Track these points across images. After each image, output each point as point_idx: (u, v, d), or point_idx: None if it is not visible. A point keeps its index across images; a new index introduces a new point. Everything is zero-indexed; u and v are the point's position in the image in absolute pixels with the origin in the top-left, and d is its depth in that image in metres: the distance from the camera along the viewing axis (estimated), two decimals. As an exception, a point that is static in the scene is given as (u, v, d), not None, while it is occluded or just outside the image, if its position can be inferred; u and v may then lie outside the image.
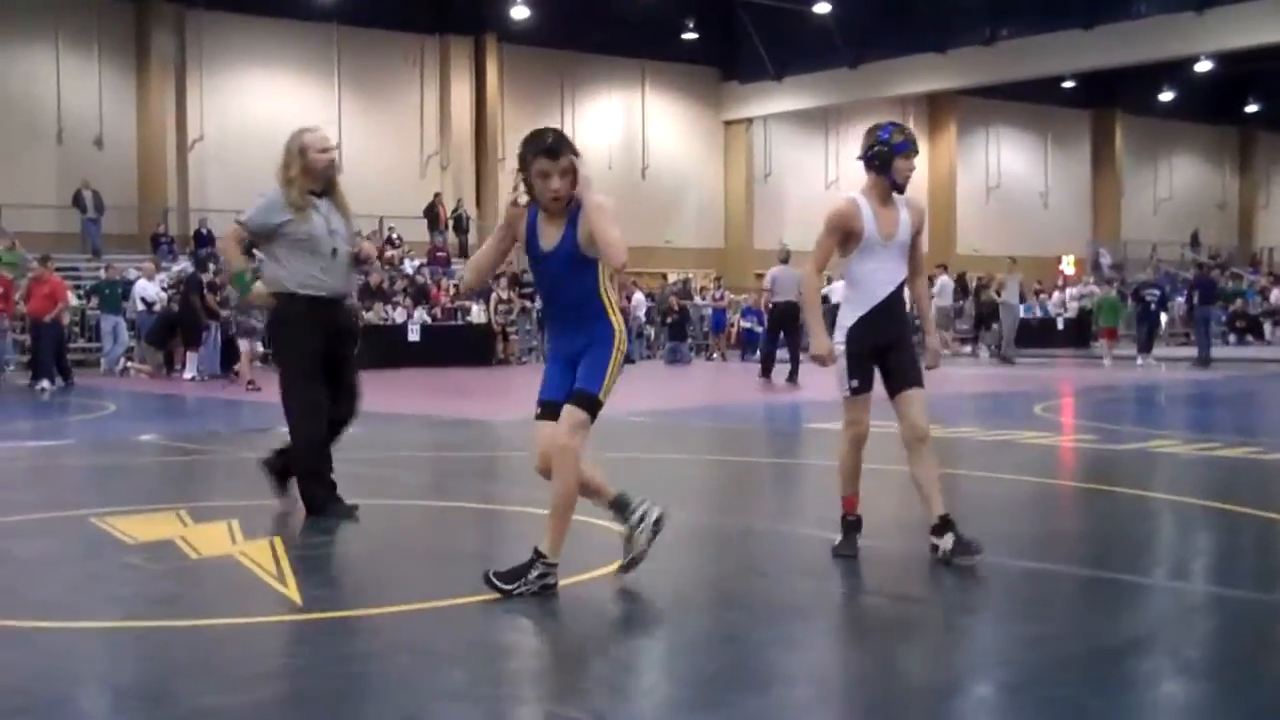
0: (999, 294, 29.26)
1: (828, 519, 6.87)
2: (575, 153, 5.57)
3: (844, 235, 6.36)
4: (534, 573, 5.49)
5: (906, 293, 6.51)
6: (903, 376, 6.36)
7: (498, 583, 5.46)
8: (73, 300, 23.32)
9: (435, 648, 4.94)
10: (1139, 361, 25.67)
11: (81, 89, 32.40)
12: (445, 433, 13.91)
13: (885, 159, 6.36)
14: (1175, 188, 54.29)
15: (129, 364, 24.04)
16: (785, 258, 22.08)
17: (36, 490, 9.45)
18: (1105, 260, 44.29)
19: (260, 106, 33.45)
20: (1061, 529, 7.94)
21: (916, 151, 6.46)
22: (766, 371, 20.84)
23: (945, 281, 31.33)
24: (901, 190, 6.44)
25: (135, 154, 32.95)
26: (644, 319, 31.27)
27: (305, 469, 7.64)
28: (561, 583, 5.74)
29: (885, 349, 6.36)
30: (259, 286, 7.44)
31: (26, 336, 22.58)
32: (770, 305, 22.01)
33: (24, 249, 26.13)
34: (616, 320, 5.63)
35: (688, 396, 19.36)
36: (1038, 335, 34.18)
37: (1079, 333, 36.18)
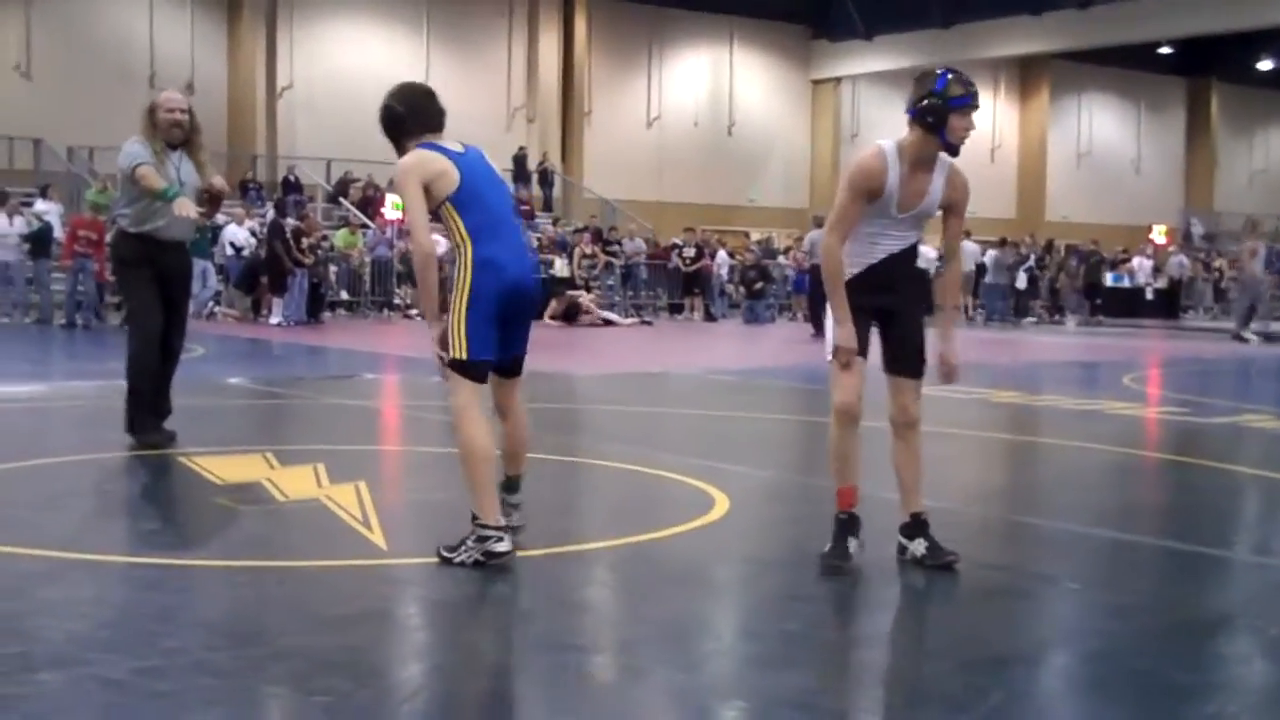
0: (1243, 266, 26.05)
1: (891, 480, 6.79)
2: None
3: (868, 196, 5.39)
4: (472, 538, 5.27)
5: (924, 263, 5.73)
6: (902, 359, 5.62)
7: (444, 554, 5.31)
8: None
9: (514, 597, 4.99)
10: (1245, 336, 24.97)
11: (173, 34, 32.73)
12: (525, 386, 13.95)
13: (940, 115, 5.31)
14: (1271, 159, 53.30)
15: (217, 308, 24.35)
16: (821, 221, 21.84)
17: (118, 428, 9.61)
18: (1197, 230, 43.61)
19: (349, 56, 33.68)
20: (1145, 500, 7.86)
21: (977, 107, 5.42)
22: (820, 331, 20.70)
23: (969, 246, 31.44)
24: (955, 153, 5.47)
25: (225, 100, 33.24)
26: (725, 277, 31.16)
27: (130, 390, 8.33)
28: (642, 538, 5.78)
29: (885, 316, 5.56)
30: (183, 200, 7.83)
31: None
32: (809, 268, 22.67)
33: (115, 191, 26.48)
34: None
35: (763, 356, 19.29)
36: (1125, 304, 33.72)
37: (1168, 303, 35.64)
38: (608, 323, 25.83)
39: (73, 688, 3.80)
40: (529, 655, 4.34)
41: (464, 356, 5.29)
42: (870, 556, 5.64)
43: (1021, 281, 32.46)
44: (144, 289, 8.26)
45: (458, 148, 5.46)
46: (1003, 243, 32.19)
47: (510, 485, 5.68)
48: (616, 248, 30.25)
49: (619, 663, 4.32)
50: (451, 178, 5.32)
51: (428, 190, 5.32)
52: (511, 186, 34.46)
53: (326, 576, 5.20)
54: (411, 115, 5.51)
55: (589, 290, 28.59)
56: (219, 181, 8.48)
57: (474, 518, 5.28)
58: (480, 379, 5.37)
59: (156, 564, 5.35)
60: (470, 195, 5.33)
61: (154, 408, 8.37)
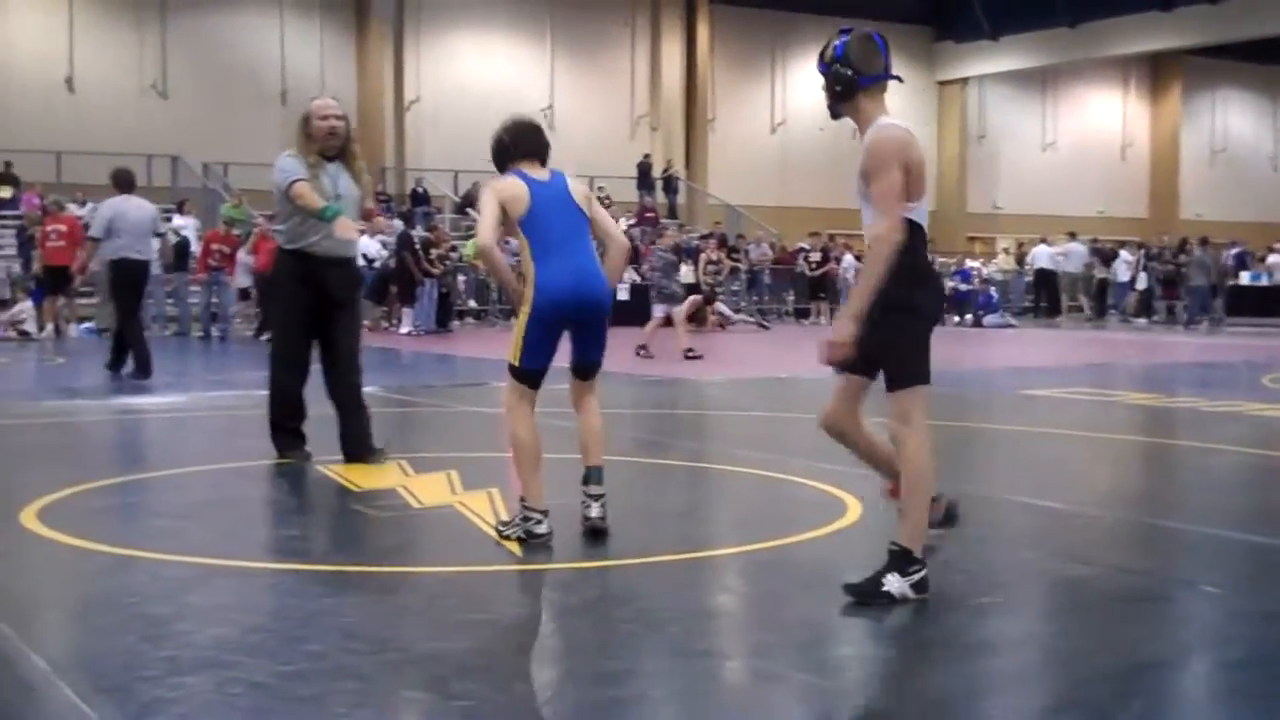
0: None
1: (1045, 487, 6.75)
2: None
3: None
4: (519, 517, 5.87)
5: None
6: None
7: (498, 529, 5.96)
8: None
9: (649, 603, 5.01)
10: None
11: (304, 51, 33.35)
12: (652, 391, 14.02)
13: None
14: None
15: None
16: None
17: (265, 437, 9.81)
18: (1337, 227, 42.41)
19: (474, 69, 34.08)
20: (1288, 504, 7.67)
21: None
22: None
23: (1075, 248, 31.25)
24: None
25: (355, 114, 33.62)
26: (851, 281, 30.96)
27: (272, 419, 8.23)
28: (777, 543, 5.78)
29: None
30: (343, 220, 7.57)
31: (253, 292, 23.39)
32: None
33: (250, 206, 27.05)
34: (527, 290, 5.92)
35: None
36: (1259, 303, 32.89)
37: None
38: (723, 322, 25.73)
39: (219, 691, 3.89)
40: (663, 661, 4.35)
41: (517, 363, 5.96)
42: (1006, 560, 5.58)
43: (1142, 282, 31.94)
44: (290, 311, 8.00)
45: (542, 175, 6.01)
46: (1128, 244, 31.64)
47: (589, 477, 6.02)
48: (741, 254, 30.22)
49: (753, 668, 4.32)
50: (522, 203, 5.89)
51: (505, 210, 5.89)
52: (635, 195, 34.60)
53: (462, 581, 5.27)
54: (515, 145, 6.08)
55: (715, 297, 28.57)
56: (371, 207, 8.32)
57: (521, 500, 5.87)
58: (530, 384, 5.99)
59: (297, 570, 5.46)
60: (534, 220, 5.88)
61: (296, 429, 8.24)
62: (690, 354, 17.67)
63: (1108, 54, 39.32)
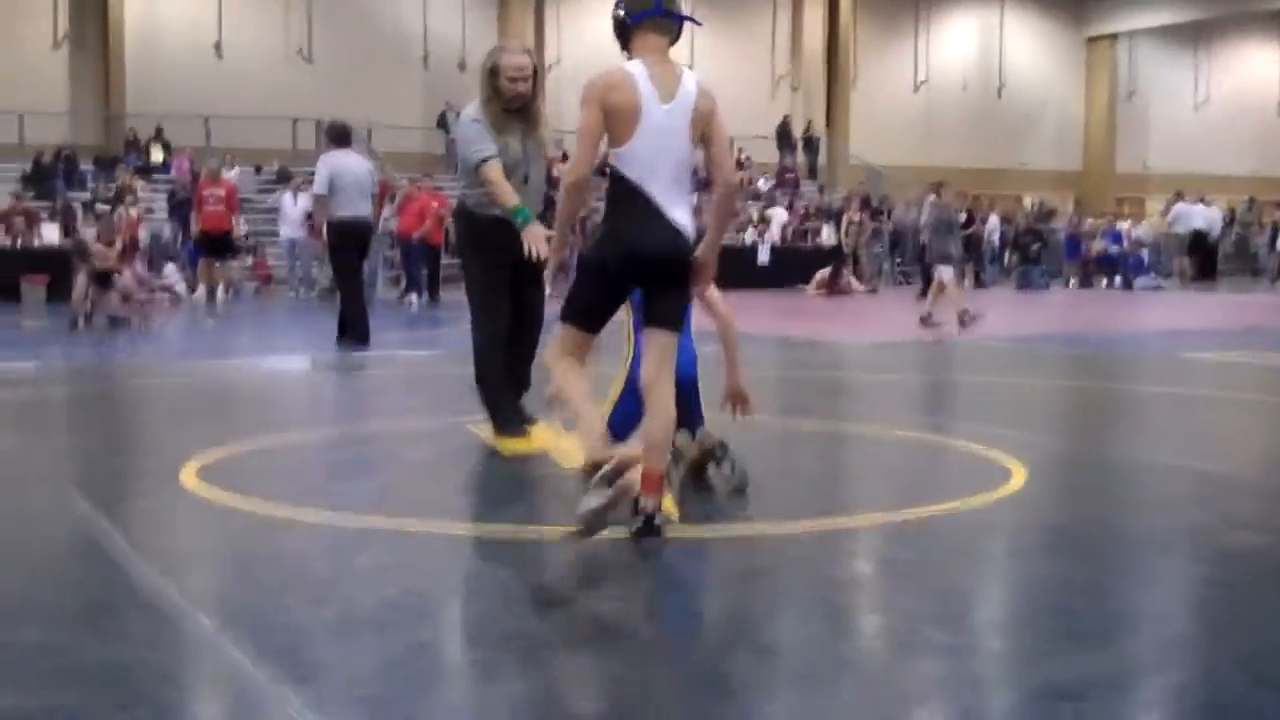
0: None
1: (1191, 449, 6.47)
2: None
3: None
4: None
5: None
6: None
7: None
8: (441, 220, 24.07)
9: (811, 569, 4.87)
10: None
11: (446, 14, 33.50)
12: (797, 353, 13.84)
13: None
14: None
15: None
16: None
17: (415, 397, 9.85)
18: None
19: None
20: None
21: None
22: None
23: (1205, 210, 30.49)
24: None
25: (496, 77, 33.85)
26: (997, 243, 30.41)
27: (481, 395, 7.48)
28: (907, 515, 5.60)
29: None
30: (533, 229, 6.84)
31: (396, 253, 23.58)
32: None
33: (393, 168, 27.28)
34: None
35: (1039, 322, 18.69)
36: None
37: None
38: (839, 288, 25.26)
39: (385, 654, 3.83)
40: (814, 626, 4.21)
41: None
42: (1165, 523, 5.35)
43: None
44: (490, 279, 7.33)
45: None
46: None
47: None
48: (884, 215, 29.80)
49: (893, 633, 4.15)
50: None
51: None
52: (775, 155, 34.29)
53: (621, 545, 5.15)
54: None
55: (857, 259, 28.25)
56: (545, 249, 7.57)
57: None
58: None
59: (455, 532, 5.41)
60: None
61: (514, 399, 7.58)
62: (967, 317, 15.97)
63: (1264, 7, 38.02)
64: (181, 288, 21.78)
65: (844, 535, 5.39)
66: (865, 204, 29.36)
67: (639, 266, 5.06)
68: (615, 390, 6.07)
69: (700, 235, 5.20)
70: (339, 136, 13.59)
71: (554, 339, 5.28)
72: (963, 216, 29.32)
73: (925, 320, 16.36)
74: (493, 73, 7.12)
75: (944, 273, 16.62)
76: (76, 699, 3.45)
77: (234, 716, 3.43)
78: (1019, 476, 6.36)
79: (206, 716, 3.52)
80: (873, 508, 5.97)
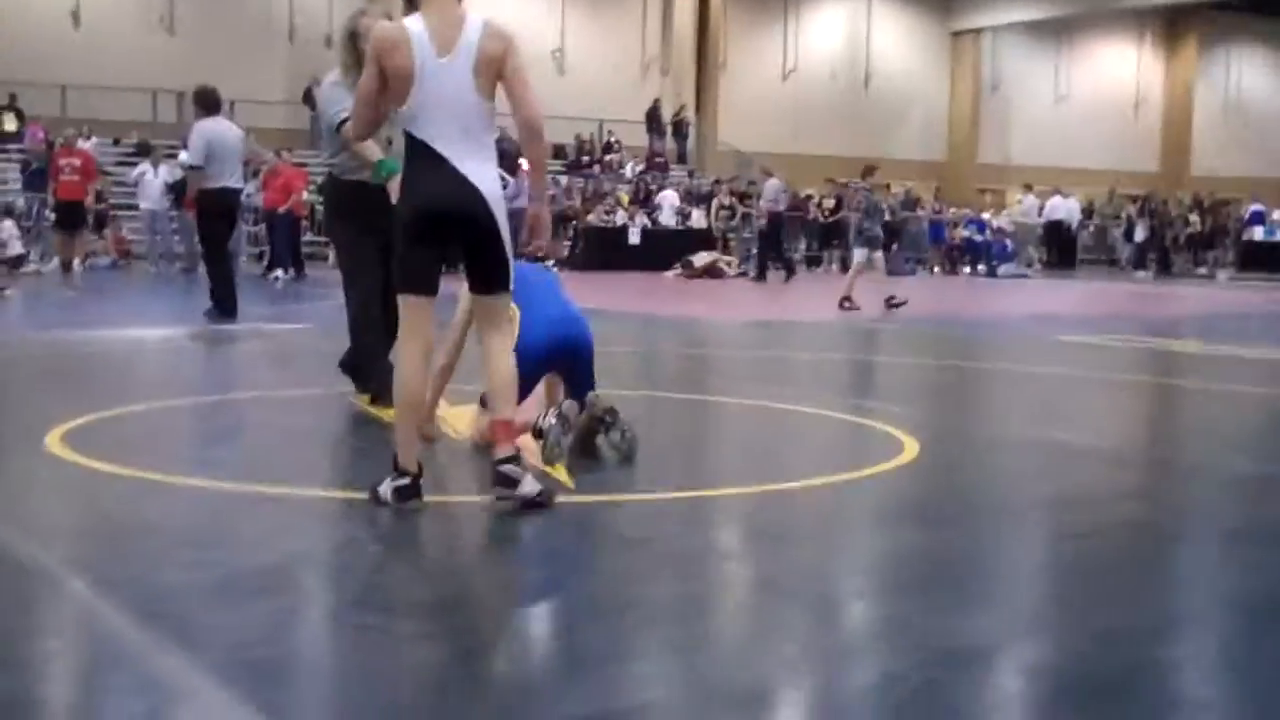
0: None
1: (1065, 424, 6.47)
2: None
3: None
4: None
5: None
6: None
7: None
8: (305, 195, 23.65)
9: (691, 535, 4.81)
10: None
11: (315, -12, 32.91)
12: (669, 331, 13.80)
13: None
14: None
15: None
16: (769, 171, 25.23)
17: (287, 370, 9.60)
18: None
19: (482, 9, 33.37)
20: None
21: None
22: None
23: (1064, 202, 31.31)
24: None
25: (364, 53, 33.38)
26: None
27: (355, 349, 7.43)
28: (844, 477, 5.56)
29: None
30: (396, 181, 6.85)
31: (261, 228, 23.10)
32: (769, 215, 24.60)
33: (257, 143, 26.72)
34: None
35: (913, 306, 18.89)
36: (1271, 259, 32.46)
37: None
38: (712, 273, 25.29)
39: (272, 616, 3.68)
40: (672, 587, 4.14)
41: None
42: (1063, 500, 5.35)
43: (1139, 234, 31.80)
44: (359, 244, 7.24)
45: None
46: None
47: None
48: (752, 201, 29.92)
49: (796, 599, 4.10)
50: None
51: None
52: (645, 139, 34.26)
53: (497, 512, 5.01)
54: None
55: (726, 243, 28.33)
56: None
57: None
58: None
59: (338, 497, 5.25)
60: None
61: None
62: (893, 302, 16.23)
63: (1125, 5, 38.88)
64: (17, 247, 21.03)
65: (724, 502, 5.32)
66: (741, 192, 29.40)
67: (435, 222, 4.89)
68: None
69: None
70: (211, 103, 13.00)
71: (401, 321, 5.06)
72: (831, 203, 29.62)
73: (844, 302, 16.38)
74: (352, 37, 6.99)
75: (860, 255, 16.82)
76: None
77: (118, 679, 3.24)
78: (910, 449, 6.35)
79: (90, 679, 3.33)
80: (758, 479, 5.91)
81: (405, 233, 4.95)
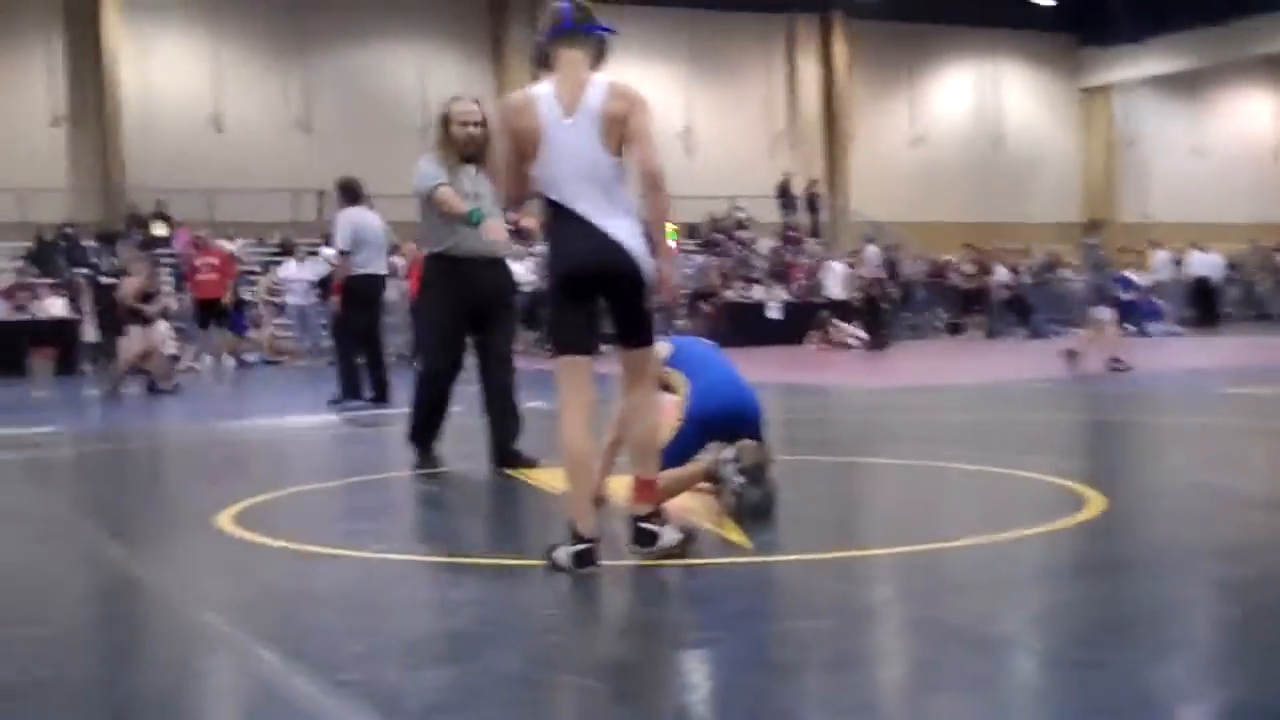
0: None
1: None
2: None
3: None
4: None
5: None
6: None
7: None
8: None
9: (886, 590, 4.64)
10: None
11: (442, 83, 33.37)
12: (828, 399, 13.62)
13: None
14: None
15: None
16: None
17: (444, 447, 9.61)
18: None
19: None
20: None
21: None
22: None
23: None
24: None
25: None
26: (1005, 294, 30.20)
27: (414, 426, 8.02)
28: (1018, 533, 5.36)
29: None
30: (490, 223, 7.39)
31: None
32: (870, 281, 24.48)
33: (395, 235, 27.08)
34: None
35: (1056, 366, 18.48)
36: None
37: None
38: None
39: (462, 681, 3.59)
40: (934, 648, 3.97)
41: None
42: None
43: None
44: (440, 311, 7.81)
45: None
46: None
47: None
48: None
49: (1038, 652, 3.90)
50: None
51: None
52: (777, 214, 34.20)
53: (697, 574, 4.90)
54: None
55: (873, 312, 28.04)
56: (528, 221, 8.16)
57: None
58: None
59: (515, 565, 5.17)
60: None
61: (494, 442, 7.89)
62: (1117, 365, 15.50)
63: (1263, 52, 38.08)
64: (173, 348, 21.53)
65: (905, 559, 5.13)
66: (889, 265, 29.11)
67: (582, 283, 4.93)
68: (670, 422, 5.87)
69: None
70: (355, 193, 13.11)
71: (560, 383, 5.04)
72: (970, 269, 29.25)
73: (1071, 356, 15.74)
74: (445, 121, 7.67)
75: (1103, 313, 16.15)
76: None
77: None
78: (1096, 503, 6.11)
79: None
80: (940, 535, 5.71)
81: (556, 295, 4.99)
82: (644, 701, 3.47)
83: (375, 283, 13.03)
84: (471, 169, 7.68)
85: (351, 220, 12.77)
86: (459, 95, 8.05)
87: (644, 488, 5.00)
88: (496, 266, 7.90)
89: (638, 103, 4.98)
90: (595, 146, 4.88)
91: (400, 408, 12.54)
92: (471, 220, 7.35)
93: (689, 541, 4.97)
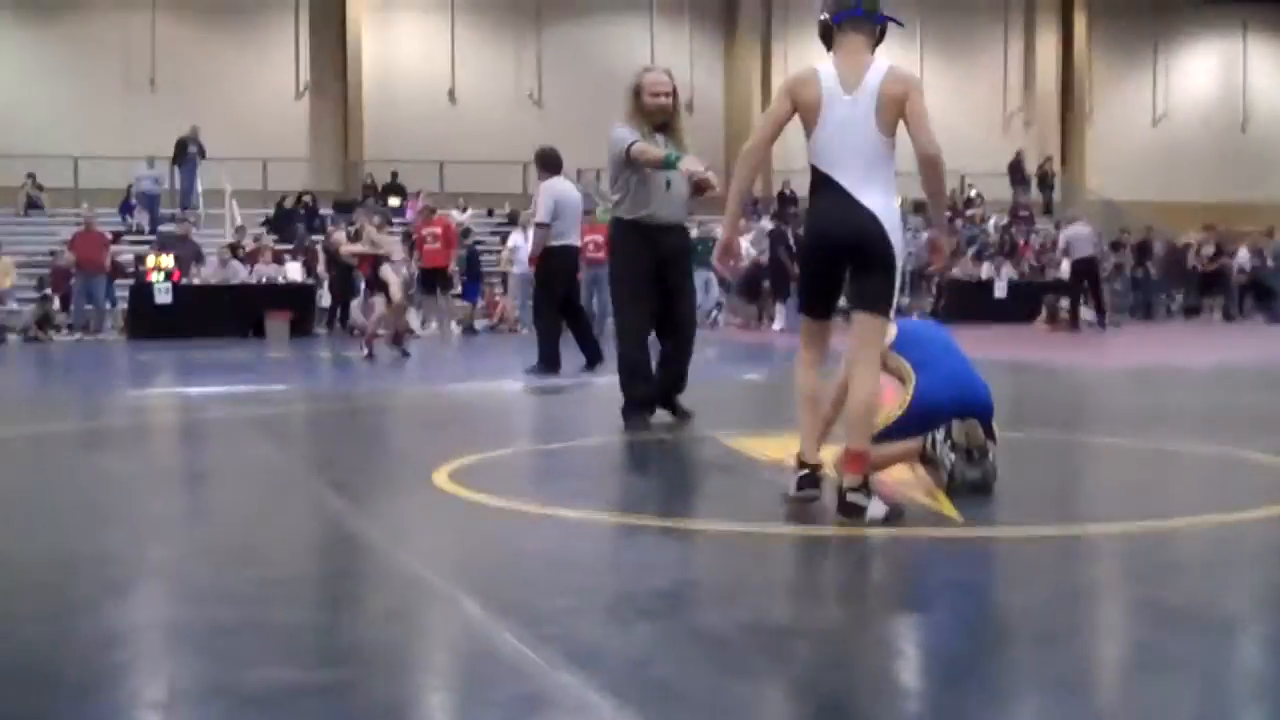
0: None
1: None
2: None
3: None
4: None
5: None
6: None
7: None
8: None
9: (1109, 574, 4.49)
10: None
11: (674, 55, 33.54)
12: (1055, 378, 13.31)
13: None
14: None
15: (719, 315, 24.75)
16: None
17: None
18: None
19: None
20: None
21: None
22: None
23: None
24: None
25: (722, 117, 33.92)
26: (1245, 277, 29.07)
27: (622, 385, 8.20)
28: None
29: None
30: (688, 158, 7.69)
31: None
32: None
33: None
34: None
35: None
36: None
37: None
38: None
39: (664, 638, 3.60)
40: (1148, 627, 3.83)
41: None
42: None
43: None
44: (635, 278, 8.14)
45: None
46: None
47: None
48: (1124, 250, 28.80)
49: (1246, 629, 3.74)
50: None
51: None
52: (1008, 192, 33.46)
53: (905, 544, 4.84)
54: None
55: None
56: (710, 176, 8.20)
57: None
58: None
59: (723, 531, 5.17)
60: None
61: (662, 389, 8.30)
62: None
63: None
64: (417, 324, 22.13)
65: (1119, 538, 4.97)
66: (1113, 241, 28.29)
67: (831, 249, 5.23)
68: (890, 410, 5.77)
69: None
70: (553, 163, 13.25)
71: (801, 335, 5.45)
72: (1210, 250, 28.21)
73: None
74: (636, 91, 7.99)
75: None
76: (349, 674, 3.30)
77: (512, 697, 3.20)
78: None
79: (484, 696, 3.30)
80: (1167, 513, 5.52)
81: (807, 258, 5.47)
82: (845, 666, 3.43)
83: (573, 253, 13.25)
84: (661, 137, 7.99)
85: (553, 191, 12.93)
86: (650, 66, 8.47)
87: (854, 459, 5.05)
88: (681, 233, 8.39)
89: (915, 86, 5.24)
90: (870, 123, 5.14)
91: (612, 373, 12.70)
92: (669, 161, 7.68)
93: (895, 516, 4.96)
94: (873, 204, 5.12)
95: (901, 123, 5.14)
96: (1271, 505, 5.42)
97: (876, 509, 4.93)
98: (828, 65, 5.27)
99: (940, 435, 5.58)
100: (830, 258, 5.25)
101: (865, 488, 5.00)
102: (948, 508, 5.30)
